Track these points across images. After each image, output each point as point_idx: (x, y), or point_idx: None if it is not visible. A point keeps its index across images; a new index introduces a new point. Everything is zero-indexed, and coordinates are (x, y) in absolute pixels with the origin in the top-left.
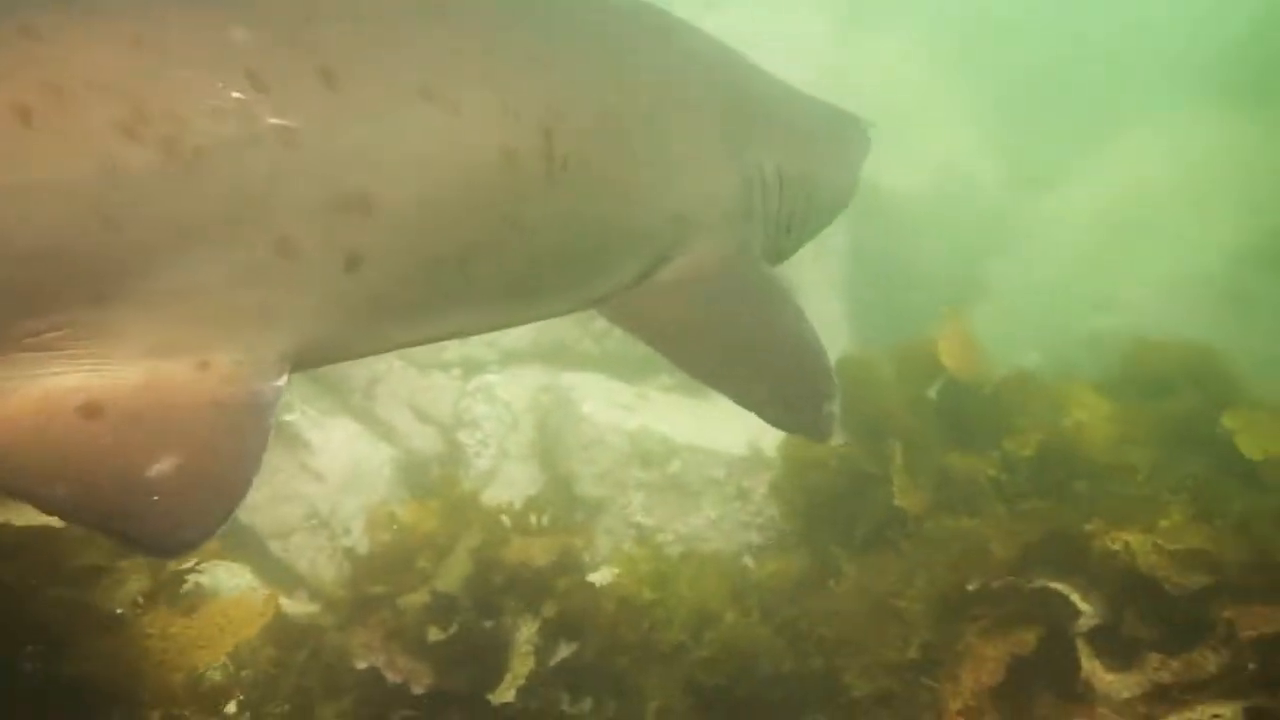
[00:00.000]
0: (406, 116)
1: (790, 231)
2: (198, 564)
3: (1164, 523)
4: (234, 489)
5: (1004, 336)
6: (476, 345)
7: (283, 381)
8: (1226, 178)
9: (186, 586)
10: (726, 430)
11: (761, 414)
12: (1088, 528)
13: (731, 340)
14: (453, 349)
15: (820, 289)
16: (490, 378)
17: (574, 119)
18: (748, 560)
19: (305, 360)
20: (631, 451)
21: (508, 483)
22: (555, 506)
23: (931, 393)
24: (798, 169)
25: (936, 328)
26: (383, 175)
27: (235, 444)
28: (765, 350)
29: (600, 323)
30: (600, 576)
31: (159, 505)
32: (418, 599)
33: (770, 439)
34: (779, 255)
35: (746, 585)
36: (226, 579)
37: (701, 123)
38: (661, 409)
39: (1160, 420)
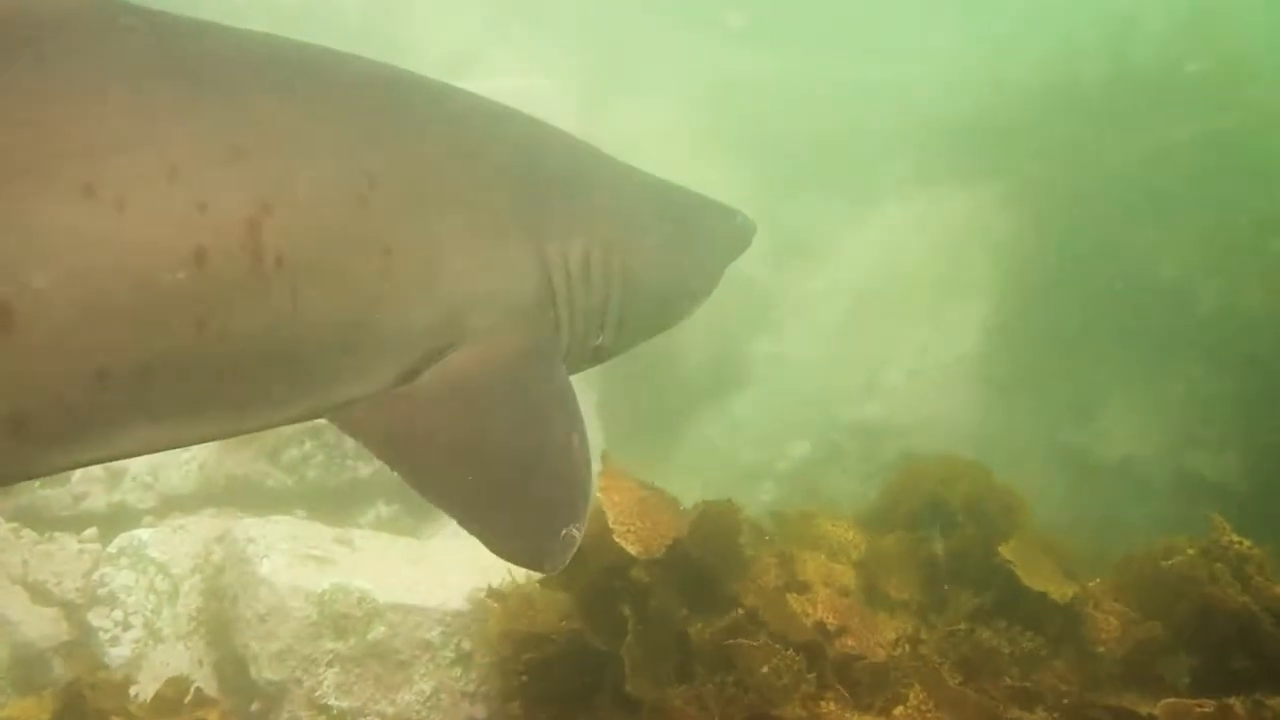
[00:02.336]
0: (58, 218)
1: (605, 329)
2: None
3: (898, 710)
4: None
5: (771, 424)
6: (130, 489)
7: None
8: (976, 254)
9: None
10: (445, 577)
11: (486, 539)
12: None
13: (480, 456)
14: (97, 495)
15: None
16: (141, 534)
17: (290, 209)
18: None
19: None
20: (321, 618)
21: (159, 673)
22: (227, 695)
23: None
24: (618, 259)
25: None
26: (22, 284)
27: None
28: (513, 468)
29: (293, 451)
30: None
31: None
32: None
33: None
34: (595, 355)
35: None
36: None
37: (483, 207)
38: (367, 556)
39: (926, 559)
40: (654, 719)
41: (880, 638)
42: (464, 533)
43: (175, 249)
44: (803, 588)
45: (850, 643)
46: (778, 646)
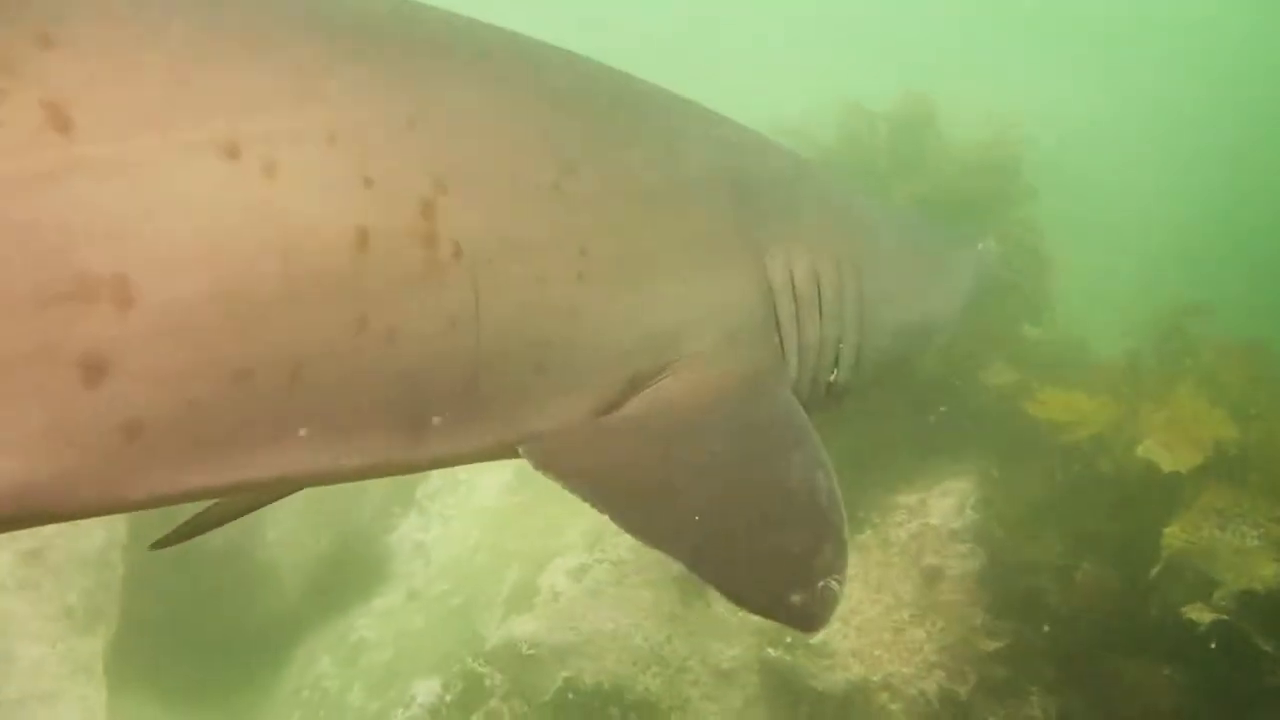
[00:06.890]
0: (191, 178)
1: (841, 364)
2: None
3: None
4: None
5: (399, 648)
6: None
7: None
8: None
9: None
10: None
11: (729, 591)
12: None
13: (706, 494)
14: None
15: None
16: None
17: (474, 192)
18: None
19: (50, 504)
20: None
21: None
22: None
23: None
24: (852, 281)
25: None
26: (146, 257)
27: None
28: (748, 508)
29: None
30: None
31: None
32: None
33: None
34: (829, 397)
35: None
36: None
37: (697, 211)
38: None
39: None
40: None
41: None
42: None
43: (337, 225)
44: None
45: None
46: None
